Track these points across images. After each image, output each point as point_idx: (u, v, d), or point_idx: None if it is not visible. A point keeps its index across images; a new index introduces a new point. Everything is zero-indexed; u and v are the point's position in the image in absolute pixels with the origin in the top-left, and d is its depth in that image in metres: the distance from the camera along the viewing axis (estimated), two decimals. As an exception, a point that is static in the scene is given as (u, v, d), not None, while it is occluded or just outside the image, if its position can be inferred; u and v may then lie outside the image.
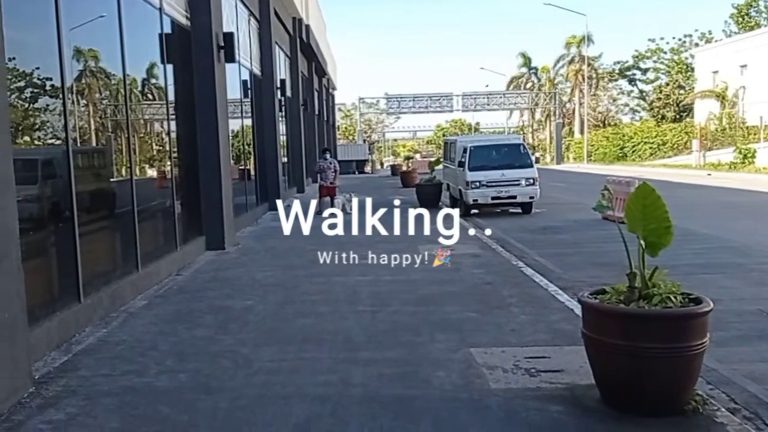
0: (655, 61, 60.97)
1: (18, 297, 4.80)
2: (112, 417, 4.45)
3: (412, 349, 5.75)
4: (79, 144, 7.47)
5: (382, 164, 64.53)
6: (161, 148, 10.92)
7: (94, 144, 8.29)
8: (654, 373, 4.01)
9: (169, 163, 10.71)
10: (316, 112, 33.89)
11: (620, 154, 50.30)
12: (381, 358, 5.53)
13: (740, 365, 5.36)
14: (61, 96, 6.70)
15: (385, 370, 5.21)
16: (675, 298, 4.16)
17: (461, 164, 17.51)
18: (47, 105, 6.77)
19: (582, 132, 56.52)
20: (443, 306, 7.25)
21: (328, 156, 17.88)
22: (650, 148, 48.61)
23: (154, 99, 10.69)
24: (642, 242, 4.30)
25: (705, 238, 12.07)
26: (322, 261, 10.31)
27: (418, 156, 55.43)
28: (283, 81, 21.35)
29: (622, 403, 4.21)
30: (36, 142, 6.79)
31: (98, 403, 4.72)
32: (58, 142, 6.78)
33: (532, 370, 5.10)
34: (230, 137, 13.53)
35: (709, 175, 31.31)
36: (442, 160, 21.85)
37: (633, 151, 49.74)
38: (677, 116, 54.91)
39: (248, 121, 17.57)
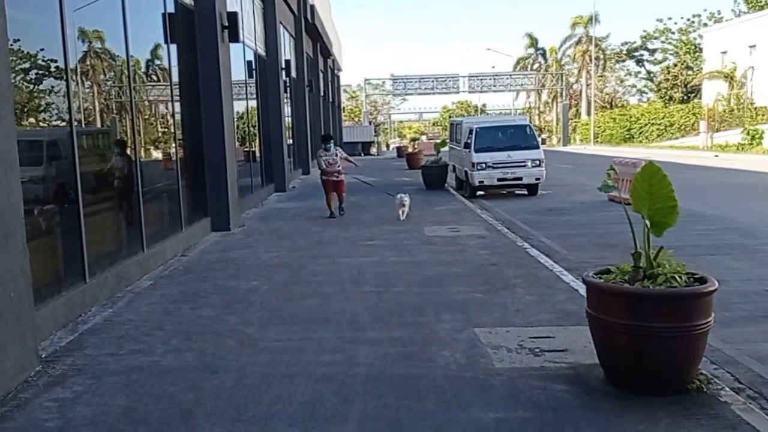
0: (663, 42, 60.41)
1: (23, 276, 4.82)
2: (118, 395, 4.48)
3: (417, 329, 5.76)
4: (83, 125, 7.46)
5: (387, 146, 64.29)
6: (166, 129, 10.89)
7: (98, 125, 8.28)
8: (658, 352, 4.01)
9: (173, 144, 10.71)
10: (322, 94, 33.73)
11: (627, 136, 50.00)
12: (386, 337, 5.54)
13: (745, 345, 5.35)
14: (65, 77, 6.68)
15: (389, 349, 5.23)
16: (680, 277, 4.14)
17: (467, 145, 17.44)
18: (51, 86, 6.75)
19: (589, 113, 56.15)
20: (448, 287, 7.25)
21: (331, 145, 13.41)
22: (657, 129, 48.29)
23: (158, 80, 10.64)
24: (647, 222, 4.27)
25: (711, 219, 12.02)
26: (327, 242, 10.38)
27: (424, 138, 55.16)
28: (288, 62, 21.23)
29: (626, 382, 4.21)
30: (41, 124, 6.80)
31: (104, 381, 4.75)
32: (63, 123, 6.77)
33: (536, 350, 5.10)
34: (235, 119, 13.51)
35: (717, 156, 31.12)
36: (447, 141, 21.77)
37: (640, 133, 49.42)
38: (685, 97, 54.46)
39: (253, 103, 17.49)
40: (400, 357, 5.06)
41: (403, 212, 12.47)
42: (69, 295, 6.28)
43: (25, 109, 6.29)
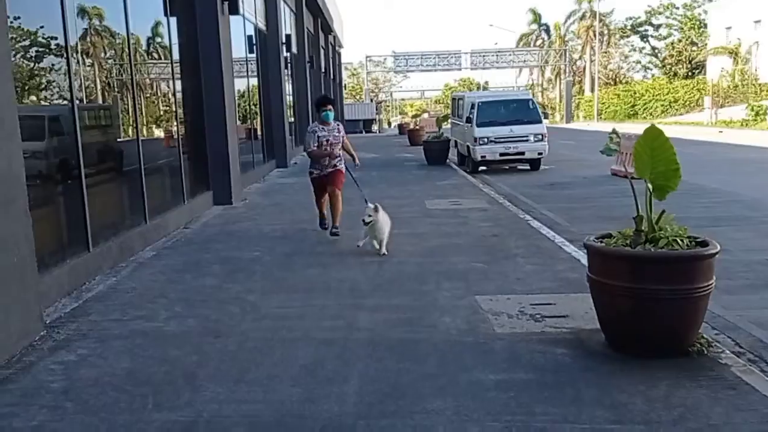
0: (667, 17, 59.85)
1: (26, 241, 4.83)
2: (122, 358, 4.52)
3: (418, 296, 5.78)
4: (85, 102, 7.47)
5: (389, 123, 64.08)
6: (167, 103, 10.85)
7: (99, 101, 8.27)
8: (659, 315, 4.02)
9: (174, 118, 10.67)
10: (323, 70, 33.49)
11: (631, 112, 49.72)
12: (386, 304, 5.56)
13: (746, 312, 5.36)
14: (65, 55, 6.67)
15: (390, 315, 5.25)
16: (681, 241, 4.13)
17: (469, 120, 17.35)
18: (52, 64, 6.74)
19: (592, 90, 55.81)
20: (449, 257, 7.26)
21: (330, 114, 8.44)
22: (661, 105, 48.01)
23: (159, 53, 10.58)
24: (649, 186, 4.26)
25: (715, 193, 12.00)
26: (328, 215, 10.37)
27: (425, 115, 54.94)
28: (288, 36, 21.06)
29: (627, 345, 4.23)
30: (43, 103, 6.80)
31: (109, 345, 4.79)
32: (64, 100, 6.78)
33: (537, 316, 5.12)
34: (236, 96, 13.41)
35: (721, 132, 30.94)
36: (450, 116, 21.65)
37: (644, 109, 49.15)
38: (689, 73, 54.06)
39: (254, 81, 17.40)
40: (401, 323, 5.09)
41: (367, 233, 7.43)
42: (73, 264, 6.31)
43: (28, 87, 6.29)
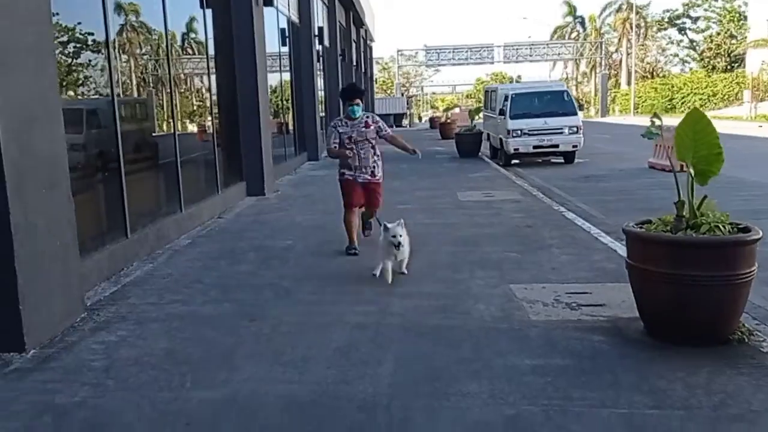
0: (706, 10, 58.38)
1: (69, 225, 4.94)
2: (160, 339, 4.60)
3: (451, 284, 5.76)
4: (122, 95, 7.63)
5: (420, 118, 63.88)
6: (201, 95, 10.99)
7: (137, 95, 8.43)
8: (700, 301, 3.94)
9: (209, 109, 10.79)
10: (354, 64, 33.54)
11: (668, 106, 48.75)
12: (419, 292, 5.55)
13: (789, 303, 5.23)
14: (105, 50, 6.87)
15: (423, 302, 5.24)
16: (723, 227, 4.04)
17: (502, 112, 17.20)
18: (92, 60, 6.93)
19: (629, 83, 54.86)
20: (482, 246, 7.22)
21: (357, 109, 6.84)
22: (700, 99, 46.99)
23: (194, 49, 10.72)
24: (691, 170, 4.17)
25: (755, 186, 11.72)
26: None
27: (456, 110, 54.68)
28: (321, 29, 21.12)
29: (666, 333, 4.15)
30: (84, 96, 6.98)
31: (147, 327, 4.88)
32: (104, 94, 6.95)
33: (573, 304, 5.07)
34: (269, 89, 13.49)
35: (761, 127, 30.15)
36: (482, 109, 21.50)
37: (682, 103, 48.15)
38: (728, 66, 52.76)
39: (286, 75, 17.53)
40: (435, 309, 5.08)
41: (392, 263, 5.83)
42: (112, 249, 6.44)
43: (66, 82, 6.45)
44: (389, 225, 5.77)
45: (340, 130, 6.88)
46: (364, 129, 6.89)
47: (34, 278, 4.45)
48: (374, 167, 6.98)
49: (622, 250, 6.65)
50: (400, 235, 5.72)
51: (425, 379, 3.77)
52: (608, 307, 4.96)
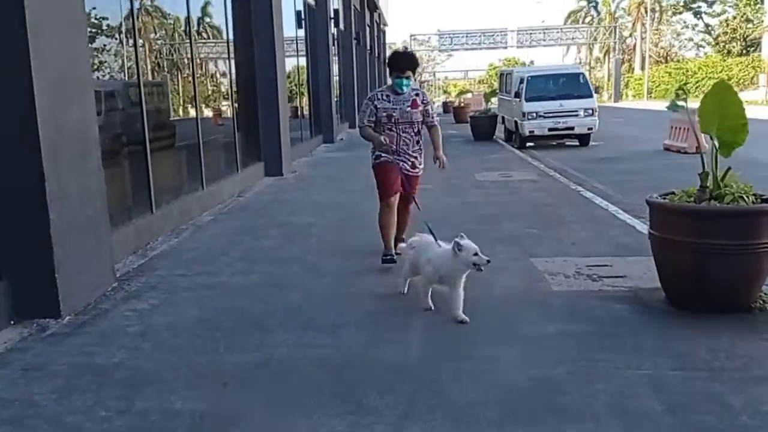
0: (723, -7, 57.62)
1: (100, 196, 5.07)
2: (192, 307, 4.73)
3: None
4: (147, 78, 7.80)
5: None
6: (223, 77, 11.08)
7: (158, 78, 8.55)
8: (722, 270, 4.00)
9: (229, 90, 10.89)
10: (368, 48, 33.47)
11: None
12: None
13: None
14: (131, 36, 7.04)
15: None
16: (747, 197, 4.09)
17: (517, 95, 17.18)
18: (117, 44, 7.08)
19: (642, 68, 54.37)
20: (502, 224, 7.28)
21: (407, 82, 5.47)
22: (714, 83, 46.49)
23: (215, 33, 10.79)
24: (715, 142, 4.22)
25: (772, 167, 11.67)
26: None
27: (469, 95, 54.44)
28: (336, 12, 21.12)
29: (688, 302, 4.22)
30: (110, 78, 7.12)
31: (177, 296, 5.01)
32: (130, 77, 7.13)
33: (594, 276, 5.14)
34: (286, 71, 13.56)
35: (778, 110, 29.84)
36: (497, 92, 21.45)
37: (696, 87, 47.65)
38: (744, 51, 52.15)
39: (302, 60, 17.58)
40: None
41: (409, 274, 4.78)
42: (138, 224, 6.58)
43: (97, 67, 6.59)
44: (462, 242, 4.17)
45: (379, 105, 5.50)
46: (409, 109, 5.48)
47: (68, 247, 4.58)
48: (415, 158, 5.60)
49: (640, 226, 6.71)
50: (480, 256, 4.13)
51: (454, 343, 3.87)
52: (629, 278, 5.03)
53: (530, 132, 16.62)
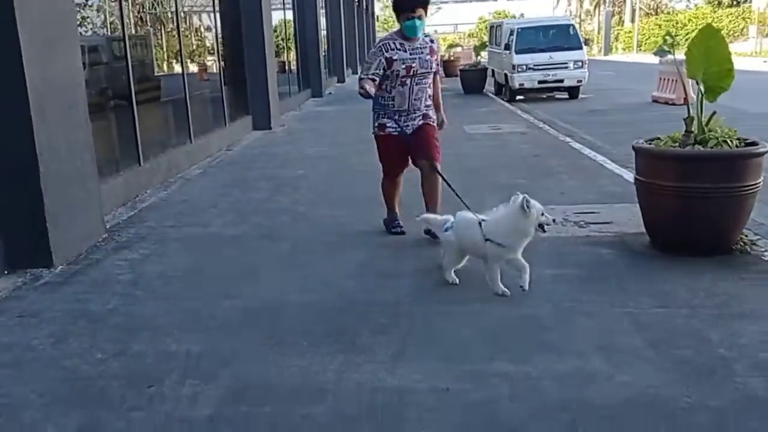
0: (715, -57, 56.71)
1: (87, 147, 5.05)
2: (183, 256, 4.78)
3: (462, 208, 5.88)
4: (133, 32, 7.72)
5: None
6: (208, 30, 10.91)
7: (142, 32, 8.40)
8: (705, 213, 4.08)
9: (215, 43, 10.73)
10: (356, 1, 32.89)
11: (673, 43, 47.91)
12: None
13: (791, 221, 5.37)
14: None
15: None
16: (731, 141, 4.15)
17: (507, 47, 17.02)
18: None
19: (632, 21, 53.80)
20: (491, 175, 7.32)
21: (419, 24, 4.60)
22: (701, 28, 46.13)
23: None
24: (701, 87, 4.24)
25: (758, 117, 11.71)
26: (368, 140, 10.47)
27: (459, 48, 53.78)
28: (322, -37, 20.68)
29: (672, 245, 4.30)
30: (96, 33, 7.01)
31: (168, 246, 5.05)
32: (115, 31, 7.02)
33: (581, 223, 5.22)
34: (272, 27, 13.35)
35: (766, 62, 29.79)
36: (487, 45, 21.22)
37: (686, 39, 47.03)
38: (734, 2, 51.61)
39: (289, 13, 17.29)
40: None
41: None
42: (126, 176, 6.57)
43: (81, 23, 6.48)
44: (531, 199, 3.67)
45: (395, 57, 4.60)
46: (429, 57, 4.72)
47: (58, 198, 4.59)
48: (427, 111, 4.92)
49: (627, 175, 6.77)
50: (545, 216, 3.72)
51: (444, 289, 3.95)
52: (615, 224, 5.11)
53: (520, 85, 16.53)
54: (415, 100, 4.80)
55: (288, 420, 2.58)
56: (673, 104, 13.86)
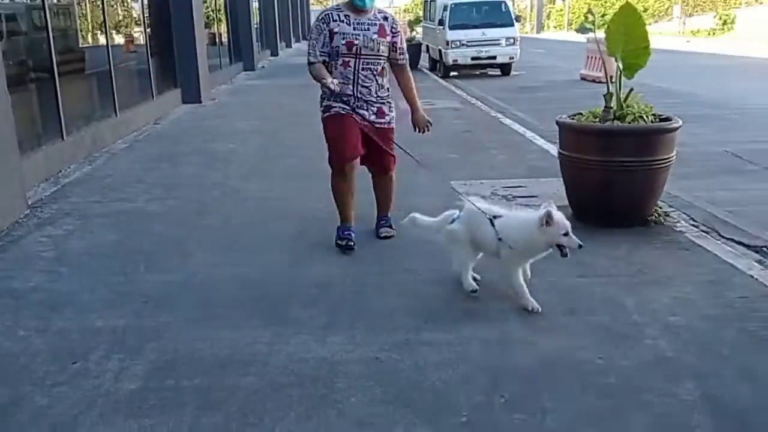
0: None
1: (6, 120, 4.84)
2: (109, 232, 4.66)
3: (398, 182, 5.94)
4: (55, 0, 7.39)
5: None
6: (134, 1, 10.52)
7: (65, 1, 8.02)
8: (623, 186, 4.27)
9: (141, 14, 10.35)
10: (289, -27, 32.26)
11: (601, 22, 49.15)
12: (368, 187, 5.69)
13: (702, 193, 5.67)
14: None
15: (372, 197, 5.41)
16: (647, 117, 4.35)
17: (441, 23, 17.12)
18: None
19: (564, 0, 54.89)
20: (425, 150, 7.28)
21: (368, 3, 4.04)
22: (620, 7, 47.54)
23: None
24: (620, 64, 4.41)
25: (679, 94, 12.27)
26: (300, 113, 10.38)
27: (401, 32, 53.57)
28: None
29: (592, 216, 4.48)
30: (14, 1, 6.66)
31: (93, 221, 4.91)
32: (36, 1, 6.67)
33: (508, 196, 5.37)
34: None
35: (688, 42, 31.05)
36: (421, 19, 21.26)
37: (614, 19, 48.66)
38: (661, -17, 53.37)
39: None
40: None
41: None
42: (48, 150, 6.32)
43: None
44: (555, 213, 3.15)
45: (336, 29, 4.00)
46: (376, 36, 4.03)
47: (-27, 173, 4.39)
48: (382, 103, 4.25)
49: (554, 150, 6.94)
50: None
51: (375, 261, 4.02)
52: (540, 197, 5.23)
53: (454, 61, 16.69)
54: (362, 87, 4.07)
55: (216, 391, 2.59)
56: (601, 82, 14.25)
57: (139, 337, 3.05)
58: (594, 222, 4.47)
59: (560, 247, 3.17)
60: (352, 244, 4.17)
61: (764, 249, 4.25)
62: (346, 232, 4.25)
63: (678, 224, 4.51)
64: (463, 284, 3.48)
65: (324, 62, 4.04)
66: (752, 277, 3.61)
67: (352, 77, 4.05)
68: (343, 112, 4.13)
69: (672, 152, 4.30)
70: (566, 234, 3.15)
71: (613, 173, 4.25)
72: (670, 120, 4.33)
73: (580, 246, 3.16)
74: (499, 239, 3.28)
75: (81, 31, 8.33)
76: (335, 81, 3.96)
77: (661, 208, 4.64)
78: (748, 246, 4.28)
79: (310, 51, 4.08)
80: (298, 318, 3.25)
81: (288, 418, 2.41)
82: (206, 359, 2.84)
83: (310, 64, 4.08)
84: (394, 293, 3.54)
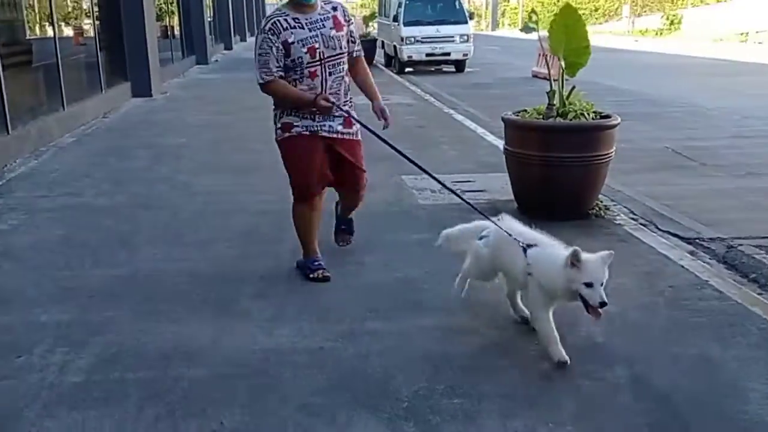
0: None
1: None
2: (55, 227, 4.60)
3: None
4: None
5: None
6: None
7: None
8: (565, 181, 4.43)
9: (89, 6, 10.14)
10: (244, -34, 31.87)
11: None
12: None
13: (643, 188, 5.88)
14: None
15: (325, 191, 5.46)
16: (588, 114, 4.51)
17: (396, 19, 17.22)
18: None
19: (518, -3, 55.65)
20: (377, 144, 7.39)
21: None
22: (582, 14, 48.36)
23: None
24: (562, 63, 4.56)
25: (624, 92, 12.64)
26: (253, 107, 10.33)
27: (352, 19, 53.47)
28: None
29: (536, 209, 4.61)
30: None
31: (39, 217, 4.84)
32: None
33: (457, 191, 5.47)
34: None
35: (636, 41, 31.87)
36: (377, 15, 21.32)
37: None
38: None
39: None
40: (334, 197, 5.30)
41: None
42: (-9, 145, 6.17)
43: None
44: (584, 255, 2.71)
45: (289, 39, 3.39)
46: (333, 32, 3.51)
47: None
48: (349, 108, 3.75)
49: (503, 146, 7.15)
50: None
51: (326, 253, 4.05)
52: (488, 192, 5.42)
53: (408, 57, 16.81)
54: (332, 95, 3.54)
55: (160, 383, 2.61)
56: (556, 80, 14.60)
57: (84, 331, 3.04)
58: (537, 216, 4.61)
59: (583, 299, 2.65)
60: (329, 274, 3.68)
61: (696, 240, 4.46)
62: (316, 263, 3.74)
63: (618, 217, 4.69)
64: (456, 283, 3.31)
65: (280, 76, 3.42)
66: (683, 267, 3.80)
67: (320, 87, 3.47)
68: (307, 132, 3.55)
69: (611, 148, 4.47)
70: (590, 285, 2.62)
71: (554, 168, 4.40)
72: (610, 117, 4.49)
73: (602, 304, 2.61)
74: (529, 274, 2.84)
75: (28, 22, 8.14)
76: (325, 95, 3.45)
77: (602, 201, 4.82)
78: (681, 238, 4.48)
79: (262, 68, 3.40)
80: (245, 311, 3.28)
81: (232, 407, 2.45)
82: (151, 352, 2.86)
83: (265, 83, 3.43)
84: (341, 285, 3.61)
